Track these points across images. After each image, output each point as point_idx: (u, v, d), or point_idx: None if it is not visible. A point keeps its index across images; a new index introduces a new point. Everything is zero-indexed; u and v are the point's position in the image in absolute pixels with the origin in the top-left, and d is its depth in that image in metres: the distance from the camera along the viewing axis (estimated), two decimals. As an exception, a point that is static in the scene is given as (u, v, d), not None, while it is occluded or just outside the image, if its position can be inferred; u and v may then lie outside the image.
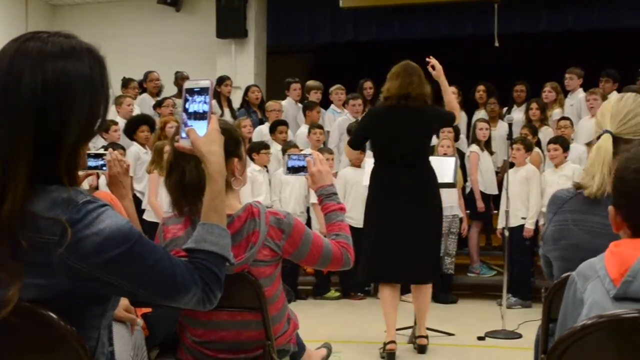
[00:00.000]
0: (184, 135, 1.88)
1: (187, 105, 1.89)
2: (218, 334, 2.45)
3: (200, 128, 1.86)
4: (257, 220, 2.41)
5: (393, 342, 5.13)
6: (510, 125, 6.35)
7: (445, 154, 6.77)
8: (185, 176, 2.36)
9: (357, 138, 5.50)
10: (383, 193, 5.18)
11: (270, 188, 7.53)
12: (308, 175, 2.78)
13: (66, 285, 1.48)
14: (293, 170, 2.93)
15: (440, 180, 5.60)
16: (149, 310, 2.60)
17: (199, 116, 1.88)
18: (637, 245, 1.58)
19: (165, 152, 6.55)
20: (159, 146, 6.78)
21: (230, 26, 10.72)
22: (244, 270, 2.39)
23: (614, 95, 2.25)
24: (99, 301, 1.57)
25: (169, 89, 9.67)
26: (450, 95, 5.36)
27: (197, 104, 1.89)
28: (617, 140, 2.09)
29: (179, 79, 9.56)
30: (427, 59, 5.36)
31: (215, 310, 2.32)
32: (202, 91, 1.88)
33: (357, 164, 7.35)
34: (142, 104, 9.28)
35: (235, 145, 2.41)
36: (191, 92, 1.90)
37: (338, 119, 8.56)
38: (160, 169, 6.59)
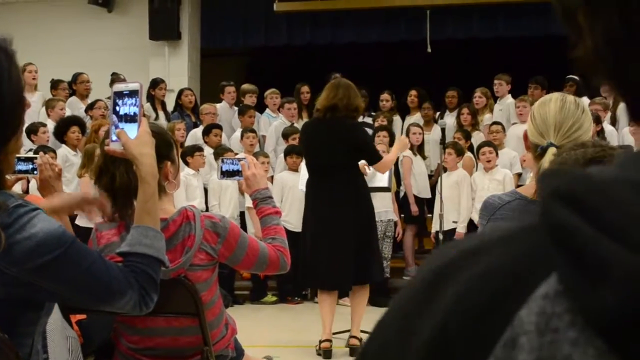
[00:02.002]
0: (114, 138, 1.85)
1: (117, 109, 1.86)
2: (155, 340, 2.41)
3: (130, 131, 1.84)
4: (192, 224, 2.39)
5: (328, 340, 5.25)
6: (443, 130, 6.45)
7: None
8: (115, 180, 2.31)
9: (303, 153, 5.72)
10: (316, 204, 5.31)
11: (208, 192, 7.48)
12: (242, 179, 2.78)
13: (-3, 292, 1.44)
14: (227, 174, 2.93)
15: (375, 184, 5.70)
16: (83, 317, 2.54)
17: (129, 119, 1.86)
18: None
19: (96, 156, 6.42)
20: (90, 149, 6.66)
21: (163, 28, 10.59)
22: (180, 275, 2.36)
23: (551, 99, 2.19)
24: (33, 307, 1.52)
25: (102, 91, 9.48)
26: (392, 156, 5.58)
27: (127, 107, 1.87)
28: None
29: (116, 81, 9.39)
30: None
31: (151, 316, 2.30)
32: (132, 94, 1.86)
33: (293, 167, 7.36)
34: (72, 106, 9.07)
35: (167, 149, 2.39)
36: (120, 95, 1.88)
37: (274, 123, 8.56)
38: (92, 172, 6.50)
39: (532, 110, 2.24)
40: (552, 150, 1.99)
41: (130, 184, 2.21)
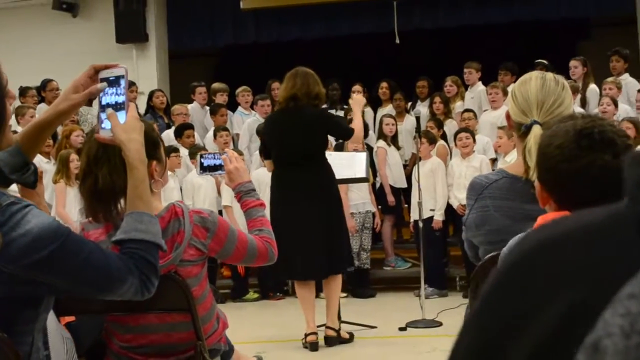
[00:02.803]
0: (103, 125, 1.84)
1: (102, 97, 1.85)
2: (147, 337, 2.40)
3: (118, 117, 1.83)
4: (181, 220, 2.38)
5: (313, 333, 5.26)
6: (417, 119, 6.49)
7: (355, 150, 6.84)
8: (98, 182, 2.30)
9: (264, 148, 5.67)
10: (282, 196, 5.30)
11: (182, 193, 7.43)
12: (224, 173, 2.77)
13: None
14: (208, 169, 2.90)
15: (352, 175, 5.71)
16: (72, 319, 2.52)
17: (116, 106, 1.85)
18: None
19: (71, 161, 6.40)
20: (64, 155, 6.62)
21: (129, 30, 10.49)
22: (171, 271, 2.35)
23: (531, 77, 2.21)
24: (31, 305, 1.50)
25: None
26: (358, 121, 5.45)
27: (113, 95, 1.85)
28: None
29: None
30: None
31: (143, 313, 2.29)
32: (117, 80, 1.84)
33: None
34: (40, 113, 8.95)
35: (153, 148, 2.37)
36: (106, 82, 1.86)
37: (247, 120, 8.54)
38: (67, 178, 6.49)
39: (512, 90, 2.25)
40: (536, 128, 2.01)
41: (113, 185, 2.20)
